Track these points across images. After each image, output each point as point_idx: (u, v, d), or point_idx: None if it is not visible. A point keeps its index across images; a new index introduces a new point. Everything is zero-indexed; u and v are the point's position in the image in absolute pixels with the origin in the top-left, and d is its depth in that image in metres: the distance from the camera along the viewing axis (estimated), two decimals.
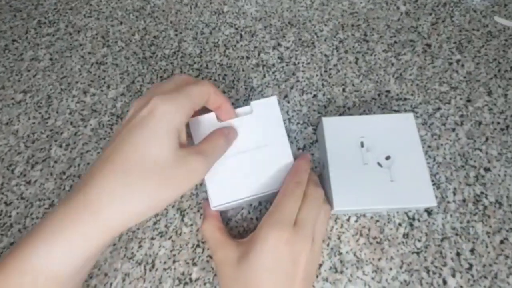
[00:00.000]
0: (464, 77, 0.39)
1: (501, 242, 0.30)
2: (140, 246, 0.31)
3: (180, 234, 0.32)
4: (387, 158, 0.30)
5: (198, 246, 0.31)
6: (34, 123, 0.38)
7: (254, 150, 0.28)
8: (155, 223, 0.32)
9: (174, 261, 0.31)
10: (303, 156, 0.29)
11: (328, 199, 0.30)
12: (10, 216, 0.33)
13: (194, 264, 0.30)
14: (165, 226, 0.32)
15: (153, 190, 0.21)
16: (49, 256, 0.19)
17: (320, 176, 0.34)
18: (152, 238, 0.32)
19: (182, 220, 0.32)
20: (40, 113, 0.39)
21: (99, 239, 0.20)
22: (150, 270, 0.30)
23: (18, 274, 0.19)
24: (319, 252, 0.26)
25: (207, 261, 0.30)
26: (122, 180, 0.20)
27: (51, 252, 0.19)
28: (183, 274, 0.30)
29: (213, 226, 0.28)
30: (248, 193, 0.28)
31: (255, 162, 0.28)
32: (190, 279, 0.30)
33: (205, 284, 0.30)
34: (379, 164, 0.30)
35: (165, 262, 0.31)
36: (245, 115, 0.29)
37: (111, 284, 0.30)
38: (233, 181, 0.28)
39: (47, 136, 0.37)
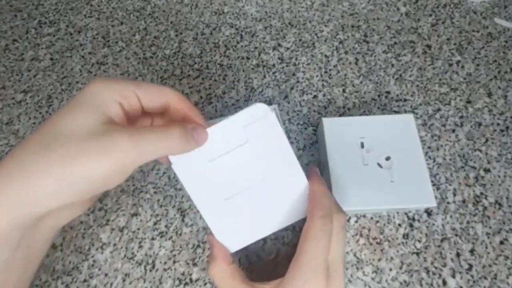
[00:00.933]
0: (464, 78, 0.39)
1: (501, 242, 0.30)
2: (140, 246, 0.31)
3: (180, 235, 0.32)
4: (387, 158, 0.30)
5: (198, 246, 0.31)
6: (34, 123, 0.38)
7: (259, 183, 0.24)
8: (155, 224, 0.32)
9: (174, 262, 0.31)
10: (313, 174, 0.25)
11: None
12: None
13: (195, 265, 0.30)
14: (166, 226, 0.32)
15: (57, 163, 0.18)
16: None
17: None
18: (153, 239, 0.32)
19: (183, 220, 0.32)
20: (40, 113, 0.39)
21: (11, 223, 0.18)
22: (150, 271, 0.30)
23: None
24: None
25: (208, 262, 0.30)
26: (25, 155, 0.18)
27: None
28: (183, 274, 0.30)
29: (224, 270, 0.24)
30: (265, 232, 0.25)
31: (264, 197, 0.24)
32: (191, 280, 0.30)
33: (205, 284, 0.30)
34: (379, 164, 0.30)
35: (165, 263, 0.31)
36: (238, 147, 0.23)
37: (111, 284, 0.30)
38: (244, 223, 0.25)
39: None
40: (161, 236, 0.32)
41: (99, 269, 0.30)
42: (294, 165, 0.24)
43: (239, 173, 0.24)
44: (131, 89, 0.21)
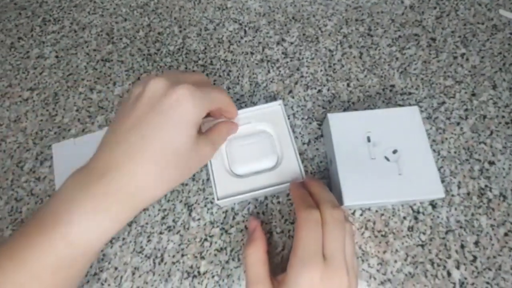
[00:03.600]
0: (469, 71, 0.39)
1: (505, 234, 0.31)
2: (149, 241, 0.32)
3: (188, 229, 0.32)
4: (394, 152, 0.30)
5: (205, 240, 0.32)
6: (41, 120, 0.39)
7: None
8: (163, 218, 0.33)
9: (182, 255, 0.31)
10: (293, 183, 0.29)
11: (337, 195, 0.30)
12: (20, 212, 0.34)
13: (202, 258, 0.31)
14: (173, 221, 0.33)
15: (172, 174, 0.23)
16: (87, 228, 0.21)
17: (327, 171, 0.34)
18: (161, 233, 0.32)
19: (190, 214, 0.33)
20: (47, 110, 0.40)
21: (129, 214, 0.23)
22: (159, 264, 0.31)
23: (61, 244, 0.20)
24: (356, 280, 0.24)
25: (215, 255, 0.31)
26: (151, 167, 0.22)
27: (88, 224, 0.21)
28: (191, 267, 0.31)
29: (259, 255, 0.26)
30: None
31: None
32: (199, 272, 0.30)
33: (213, 277, 0.30)
34: (386, 158, 0.30)
35: (173, 256, 0.31)
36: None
37: (121, 277, 0.31)
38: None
39: (55, 133, 0.38)
40: (169, 230, 0.32)
41: (109, 263, 0.31)
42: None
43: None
44: (209, 109, 0.25)
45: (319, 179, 0.34)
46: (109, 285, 0.30)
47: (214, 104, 0.25)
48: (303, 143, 0.36)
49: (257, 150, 0.31)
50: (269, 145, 0.32)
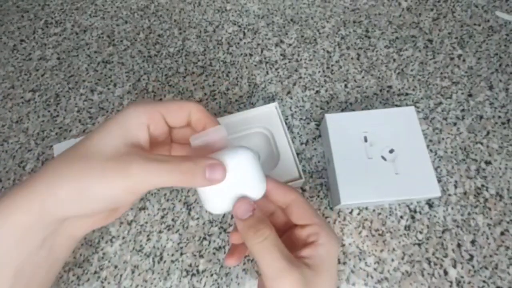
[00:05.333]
0: (466, 72, 0.39)
1: (502, 233, 0.31)
2: (148, 239, 0.32)
3: (187, 228, 0.33)
4: (391, 151, 0.30)
5: (204, 239, 0.32)
6: (43, 121, 0.39)
7: None
8: (162, 217, 0.33)
9: (181, 254, 0.31)
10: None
11: (335, 194, 0.31)
12: None
13: (201, 256, 0.31)
14: (172, 220, 0.33)
15: (76, 177, 0.20)
16: None
17: (325, 171, 0.34)
18: (160, 232, 0.32)
19: (189, 213, 0.33)
20: (49, 111, 0.40)
21: (37, 219, 0.20)
22: (158, 262, 0.31)
23: None
24: None
25: (214, 253, 0.31)
26: (54, 164, 0.20)
27: None
28: (190, 265, 0.31)
29: (271, 238, 0.23)
30: None
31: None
32: (197, 271, 0.31)
33: (211, 275, 0.30)
34: (383, 157, 0.30)
35: (172, 255, 0.31)
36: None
37: (121, 275, 0.31)
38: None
39: (56, 134, 0.38)
40: (168, 229, 0.33)
41: (109, 261, 0.31)
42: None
43: None
44: (157, 110, 0.23)
45: (317, 178, 0.34)
46: (109, 283, 0.31)
47: (165, 109, 0.23)
48: (301, 143, 0.36)
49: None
50: (266, 147, 0.32)
